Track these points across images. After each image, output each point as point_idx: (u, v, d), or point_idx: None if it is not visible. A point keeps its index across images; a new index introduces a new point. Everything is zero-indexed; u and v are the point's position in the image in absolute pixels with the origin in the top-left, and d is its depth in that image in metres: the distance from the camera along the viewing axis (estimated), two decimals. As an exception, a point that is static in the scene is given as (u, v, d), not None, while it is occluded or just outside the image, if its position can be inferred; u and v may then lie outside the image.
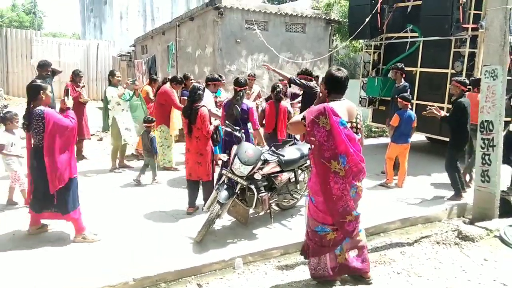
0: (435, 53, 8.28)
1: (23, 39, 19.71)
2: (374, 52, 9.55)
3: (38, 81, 4.41)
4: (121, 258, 3.98)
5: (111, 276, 3.64)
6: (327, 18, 12.48)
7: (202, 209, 4.82)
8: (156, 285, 3.73)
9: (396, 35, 9.02)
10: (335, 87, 3.49)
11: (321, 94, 5.82)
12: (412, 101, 7.46)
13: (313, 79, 6.31)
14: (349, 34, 9.90)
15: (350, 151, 3.28)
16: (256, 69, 11.48)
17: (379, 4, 8.76)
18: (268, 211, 4.86)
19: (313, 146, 3.40)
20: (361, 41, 12.19)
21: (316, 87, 6.52)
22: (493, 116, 4.90)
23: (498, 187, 4.97)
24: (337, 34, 14.73)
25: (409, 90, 7.19)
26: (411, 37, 8.69)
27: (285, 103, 6.43)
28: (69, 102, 4.46)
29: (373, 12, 8.73)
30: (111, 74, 7.41)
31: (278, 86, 6.28)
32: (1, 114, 5.14)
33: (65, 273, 3.68)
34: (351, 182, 3.37)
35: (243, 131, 5.05)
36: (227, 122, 5.22)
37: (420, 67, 8.52)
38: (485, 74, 4.95)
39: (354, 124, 3.43)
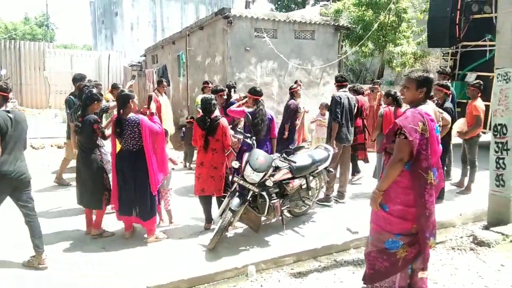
0: None
1: (36, 51, 20.04)
2: (451, 59, 10.56)
3: (126, 91, 4.71)
4: (134, 267, 4.00)
5: (125, 284, 3.67)
6: (336, 24, 12.49)
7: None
8: (170, 293, 3.74)
9: (473, 43, 10.05)
10: (430, 90, 3.17)
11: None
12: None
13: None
14: (428, 43, 11.30)
15: (439, 164, 3.05)
16: (266, 76, 11.52)
17: (457, 16, 10.02)
18: (280, 218, 4.85)
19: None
20: (437, 49, 13.17)
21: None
22: (506, 120, 4.84)
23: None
24: (346, 40, 14.73)
25: None
26: (490, 45, 9.36)
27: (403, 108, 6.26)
28: (153, 108, 4.76)
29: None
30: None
31: (396, 92, 6.15)
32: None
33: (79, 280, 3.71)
34: None
35: (254, 138, 5.05)
36: (238, 129, 5.22)
37: None
38: (497, 77, 4.90)
39: (440, 128, 3.23)
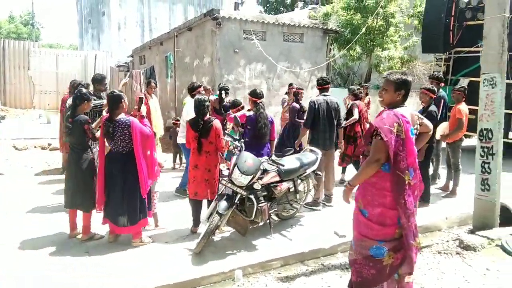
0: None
1: (21, 50, 19.72)
2: (444, 65, 10.73)
3: (116, 91, 4.55)
4: (119, 272, 3.93)
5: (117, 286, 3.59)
6: (325, 27, 12.55)
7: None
8: (155, 298, 3.67)
9: (466, 49, 10.17)
10: (408, 92, 3.16)
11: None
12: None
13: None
14: (422, 48, 11.26)
15: (416, 165, 3.06)
16: (254, 79, 11.50)
17: (451, 22, 10.27)
18: (268, 221, 4.82)
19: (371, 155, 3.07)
20: (424, 54, 12.98)
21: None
22: (492, 124, 4.89)
23: (498, 195, 4.94)
24: (334, 44, 14.81)
25: None
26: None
27: None
28: (144, 110, 4.74)
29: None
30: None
31: None
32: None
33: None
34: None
35: (242, 140, 5.01)
36: (226, 132, 5.18)
37: None
38: (483, 82, 4.96)
39: (416, 131, 3.19)
